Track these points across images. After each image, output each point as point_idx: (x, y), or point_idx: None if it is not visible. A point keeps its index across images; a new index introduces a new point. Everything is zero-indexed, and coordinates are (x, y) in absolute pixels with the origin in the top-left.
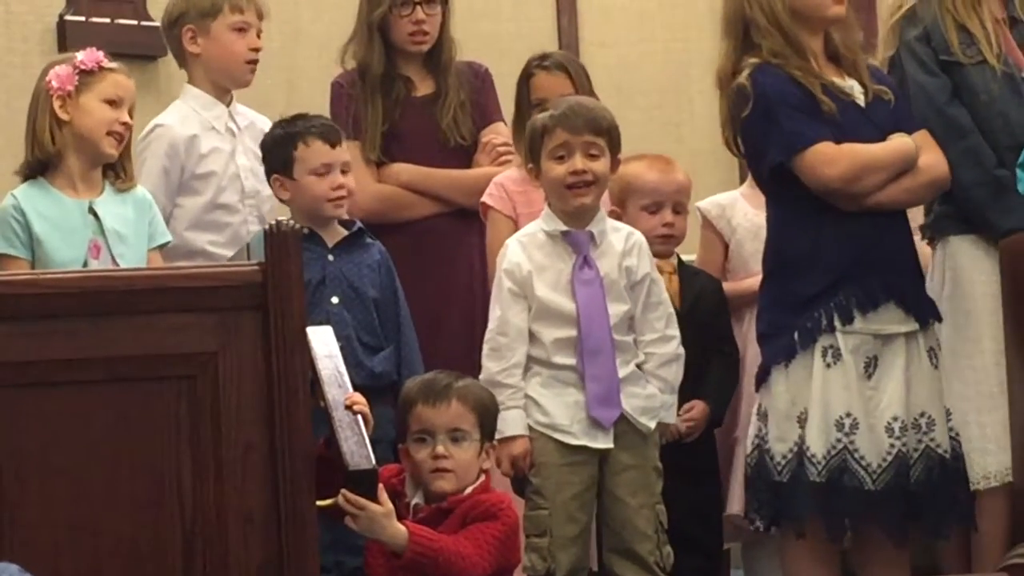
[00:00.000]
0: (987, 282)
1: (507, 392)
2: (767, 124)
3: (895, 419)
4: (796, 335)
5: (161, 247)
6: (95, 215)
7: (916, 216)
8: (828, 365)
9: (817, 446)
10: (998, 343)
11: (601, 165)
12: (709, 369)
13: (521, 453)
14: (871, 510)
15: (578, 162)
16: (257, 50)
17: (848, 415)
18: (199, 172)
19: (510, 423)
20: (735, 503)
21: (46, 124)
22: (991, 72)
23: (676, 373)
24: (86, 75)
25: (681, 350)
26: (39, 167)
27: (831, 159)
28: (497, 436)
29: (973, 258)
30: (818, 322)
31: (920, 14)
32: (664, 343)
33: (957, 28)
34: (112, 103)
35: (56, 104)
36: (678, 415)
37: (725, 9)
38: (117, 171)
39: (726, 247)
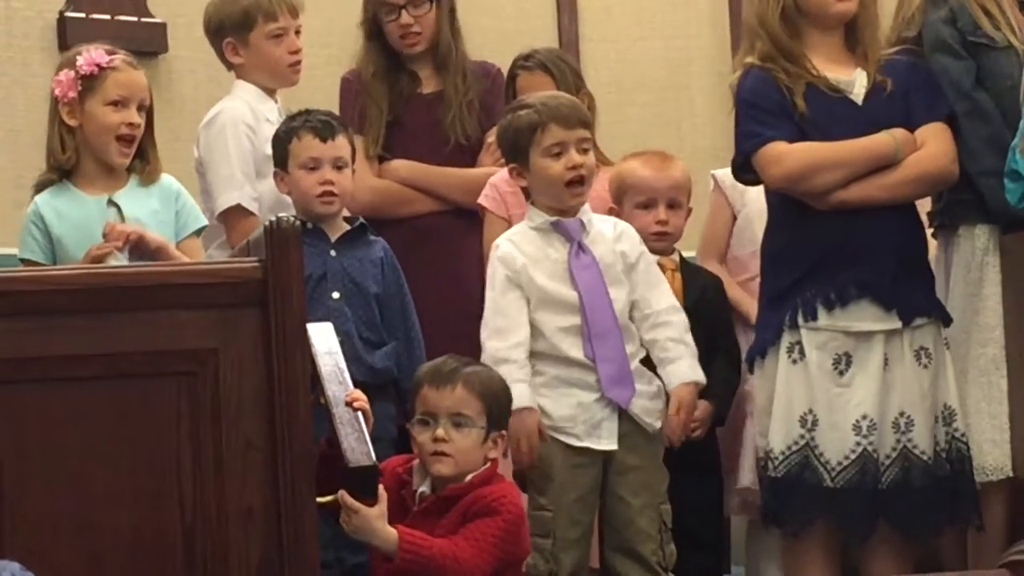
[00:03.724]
0: (999, 271)
1: (514, 366)
2: (737, 125)
3: (864, 417)
4: (767, 331)
5: (198, 233)
6: (116, 207)
7: (926, 206)
8: (793, 361)
9: (776, 441)
10: None
11: (592, 159)
12: (713, 368)
13: (532, 428)
14: (829, 507)
15: (575, 157)
16: (298, 51)
17: (810, 412)
18: (267, 153)
19: (518, 396)
20: (745, 476)
21: (56, 132)
22: (1016, 58)
23: (692, 341)
24: (88, 80)
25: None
26: (60, 174)
27: (777, 157)
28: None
29: (988, 247)
30: (783, 318)
31: None
32: (678, 312)
33: (981, 9)
34: (117, 104)
35: (63, 112)
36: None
37: (742, 14)
38: (143, 162)
39: (733, 220)
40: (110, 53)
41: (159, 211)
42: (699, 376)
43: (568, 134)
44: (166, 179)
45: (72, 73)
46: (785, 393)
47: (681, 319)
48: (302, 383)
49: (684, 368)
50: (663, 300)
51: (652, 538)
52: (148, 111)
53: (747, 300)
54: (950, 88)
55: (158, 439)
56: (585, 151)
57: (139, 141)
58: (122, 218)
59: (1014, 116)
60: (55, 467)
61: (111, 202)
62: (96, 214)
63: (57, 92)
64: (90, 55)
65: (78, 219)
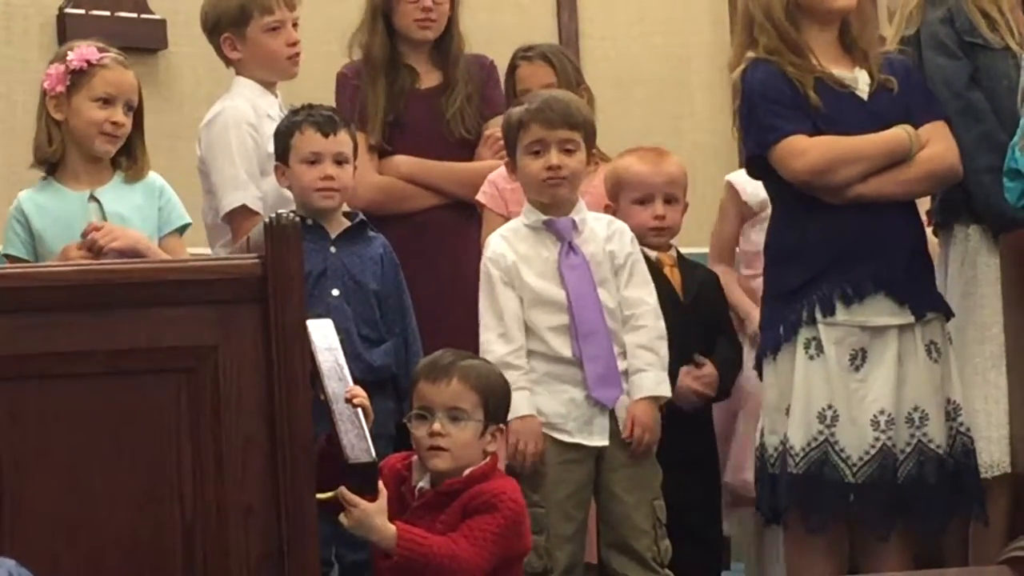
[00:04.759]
0: (996, 267)
1: (517, 373)
2: (749, 118)
3: (881, 412)
4: (781, 328)
5: (181, 230)
6: (98, 203)
7: (925, 204)
8: (811, 357)
9: (796, 438)
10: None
11: (576, 160)
12: (715, 349)
13: (536, 434)
14: (851, 503)
15: (553, 157)
16: (296, 43)
17: (829, 407)
18: (270, 151)
19: (520, 404)
20: (730, 471)
21: (43, 126)
22: (1013, 59)
23: (666, 351)
24: (77, 75)
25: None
26: (47, 168)
27: (801, 151)
28: (509, 417)
29: (980, 246)
30: (800, 314)
31: None
32: (657, 317)
33: (979, 12)
34: (104, 101)
35: (50, 105)
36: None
37: (739, 6)
38: (129, 159)
39: (741, 223)
40: (101, 51)
41: (143, 206)
42: (662, 391)
43: (549, 133)
44: (151, 176)
45: (62, 67)
46: (803, 389)
47: (657, 325)
48: (302, 379)
49: (648, 381)
50: (644, 302)
51: (647, 534)
52: (137, 111)
53: (746, 302)
54: (943, 87)
55: (157, 436)
56: (568, 152)
57: (128, 140)
58: (103, 214)
59: (1010, 116)
60: (54, 464)
61: (93, 198)
62: (77, 209)
63: (46, 85)
64: (81, 51)
65: (59, 214)
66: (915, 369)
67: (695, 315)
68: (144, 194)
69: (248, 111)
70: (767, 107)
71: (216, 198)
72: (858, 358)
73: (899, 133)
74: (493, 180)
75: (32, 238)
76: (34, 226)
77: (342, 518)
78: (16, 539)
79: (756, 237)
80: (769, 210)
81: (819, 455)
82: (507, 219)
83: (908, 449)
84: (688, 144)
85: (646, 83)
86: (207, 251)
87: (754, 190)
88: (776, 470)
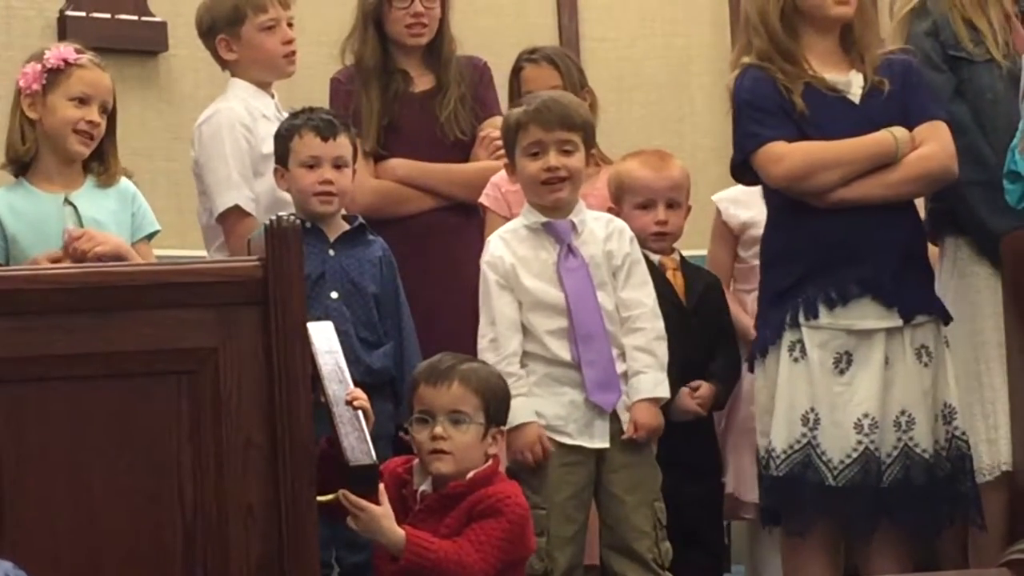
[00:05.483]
0: (986, 276)
1: (511, 380)
2: (735, 125)
3: (865, 416)
4: (769, 330)
5: (150, 237)
6: (73, 207)
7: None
8: (795, 360)
9: (778, 440)
10: (1000, 335)
11: (575, 161)
12: (715, 354)
13: (533, 440)
14: (832, 506)
15: (552, 159)
16: (291, 41)
17: (812, 410)
18: (264, 152)
19: (517, 412)
20: (730, 481)
21: (17, 125)
22: (998, 70)
23: (665, 352)
24: (53, 73)
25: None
26: (19, 167)
27: (779, 157)
28: (508, 426)
29: (972, 256)
30: (785, 317)
31: (930, 8)
32: (655, 318)
33: (965, 24)
34: (80, 100)
35: (25, 103)
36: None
37: (740, 9)
38: (102, 164)
39: (736, 248)
40: (79, 52)
41: (117, 212)
42: (660, 392)
43: (546, 135)
44: (124, 182)
45: (39, 66)
46: (787, 392)
47: (655, 326)
48: (302, 382)
49: (646, 383)
50: (642, 303)
51: (647, 535)
52: (111, 115)
53: (744, 317)
54: None
55: (158, 438)
56: (567, 152)
57: (100, 144)
58: (78, 218)
59: (994, 129)
60: (55, 466)
61: (68, 201)
62: (52, 213)
63: (21, 83)
64: (58, 50)
65: (34, 217)
66: (903, 373)
67: (698, 319)
68: (117, 200)
69: (242, 112)
70: (750, 114)
71: (209, 199)
72: (843, 361)
73: (884, 136)
74: (496, 183)
75: (5, 241)
76: (8, 229)
77: (349, 521)
78: (16, 540)
79: (742, 252)
80: (748, 232)
81: (801, 458)
82: (508, 220)
83: (895, 453)
84: (689, 146)
85: (646, 85)
86: (199, 253)
87: (735, 211)
88: (766, 472)
